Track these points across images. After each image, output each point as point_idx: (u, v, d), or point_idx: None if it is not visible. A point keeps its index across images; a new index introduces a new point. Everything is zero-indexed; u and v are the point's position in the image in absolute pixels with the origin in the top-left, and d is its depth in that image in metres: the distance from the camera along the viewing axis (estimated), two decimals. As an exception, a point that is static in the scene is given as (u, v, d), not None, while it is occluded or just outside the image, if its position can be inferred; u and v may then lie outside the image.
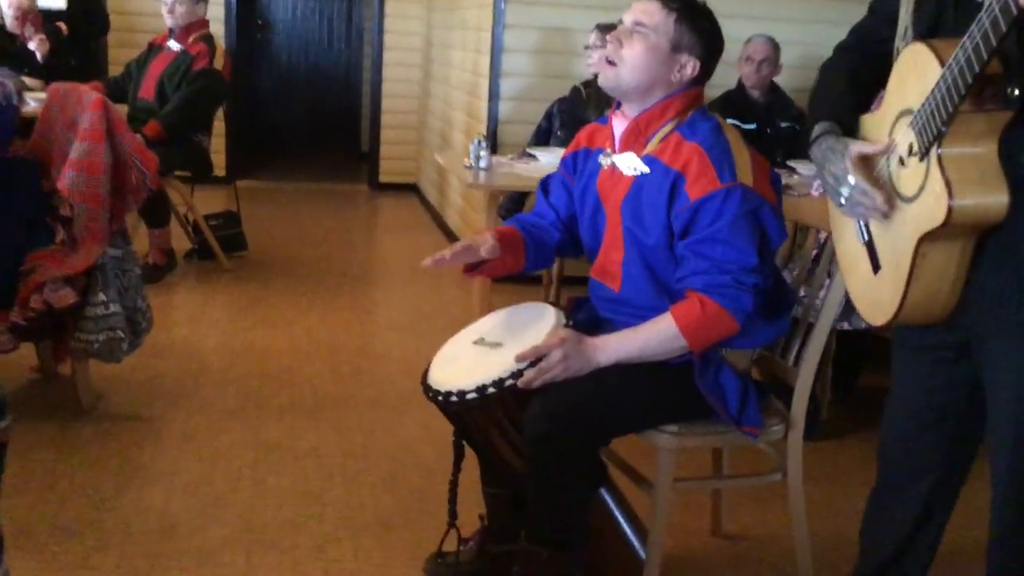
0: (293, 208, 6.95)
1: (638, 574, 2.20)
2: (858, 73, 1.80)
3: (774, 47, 4.44)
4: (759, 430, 2.11)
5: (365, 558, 2.46)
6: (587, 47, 4.37)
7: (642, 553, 2.23)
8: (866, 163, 1.67)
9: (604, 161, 2.16)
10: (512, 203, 4.42)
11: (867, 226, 1.74)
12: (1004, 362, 1.63)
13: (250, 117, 8.62)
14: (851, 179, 1.65)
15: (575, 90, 4.43)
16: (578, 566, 2.10)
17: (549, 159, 4.03)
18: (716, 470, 2.47)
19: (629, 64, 2.05)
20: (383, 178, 7.84)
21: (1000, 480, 1.70)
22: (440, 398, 2.07)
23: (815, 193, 3.28)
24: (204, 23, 5.06)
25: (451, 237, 6.08)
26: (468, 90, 5.68)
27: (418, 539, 2.53)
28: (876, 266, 1.72)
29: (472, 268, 2.20)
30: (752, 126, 4.44)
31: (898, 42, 1.69)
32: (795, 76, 4.94)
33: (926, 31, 1.62)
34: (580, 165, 2.25)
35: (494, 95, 4.98)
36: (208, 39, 4.97)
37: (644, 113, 2.08)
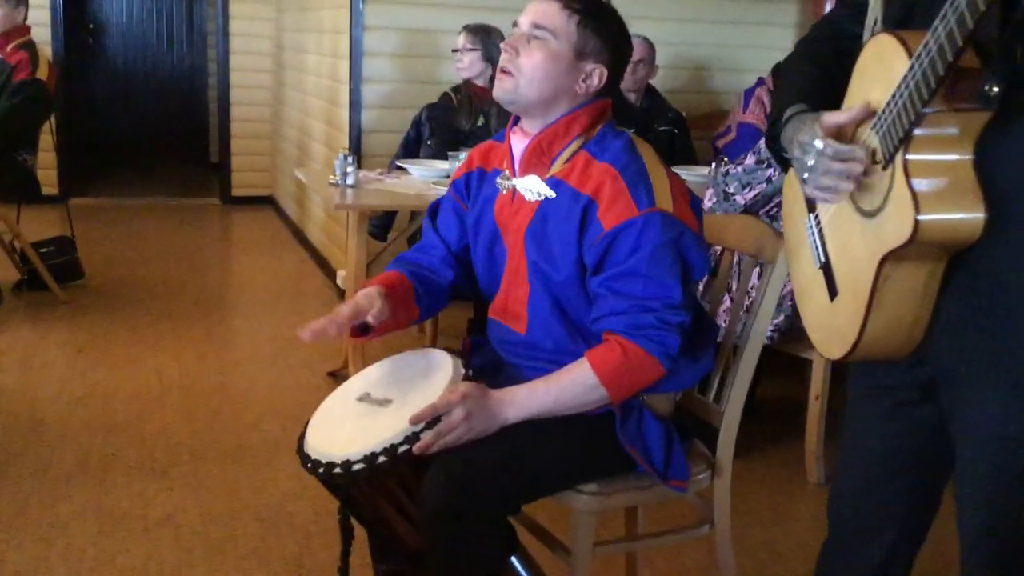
0: (136, 227, 6.40)
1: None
2: (826, 66, 1.58)
3: (650, 47, 4.25)
4: (687, 483, 1.87)
5: (236, 654, 2.10)
6: (455, 50, 4.08)
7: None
8: (839, 136, 1.43)
9: (502, 184, 1.88)
10: (382, 220, 4.10)
11: (823, 245, 1.52)
12: (977, 405, 1.42)
13: (84, 129, 7.97)
14: (818, 143, 1.39)
15: (445, 96, 4.14)
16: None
17: (422, 172, 3.72)
18: (630, 524, 2.22)
19: (528, 74, 1.77)
20: (236, 191, 7.34)
21: (970, 537, 1.49)
22: (321, 470, 1.74)
23: (708, 203, 3.09)
24: (25, 29, 4.53)
25: (314, 254, 5.69)
26: (327, 97, 5.30)
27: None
28: (833, 291, 1.50)
29: (360, 331, 1.89)
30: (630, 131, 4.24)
31: (867, 37, 1.48)
32: (669, 77, 4.80)
33: (897, 24, 1.41)
34: (474, 189, 1.96)
35: (356, 103, 4.63)
36: (30, 46, 4.45)
37: (547, 130, 1.81)
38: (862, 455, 1.65)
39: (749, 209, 3.04)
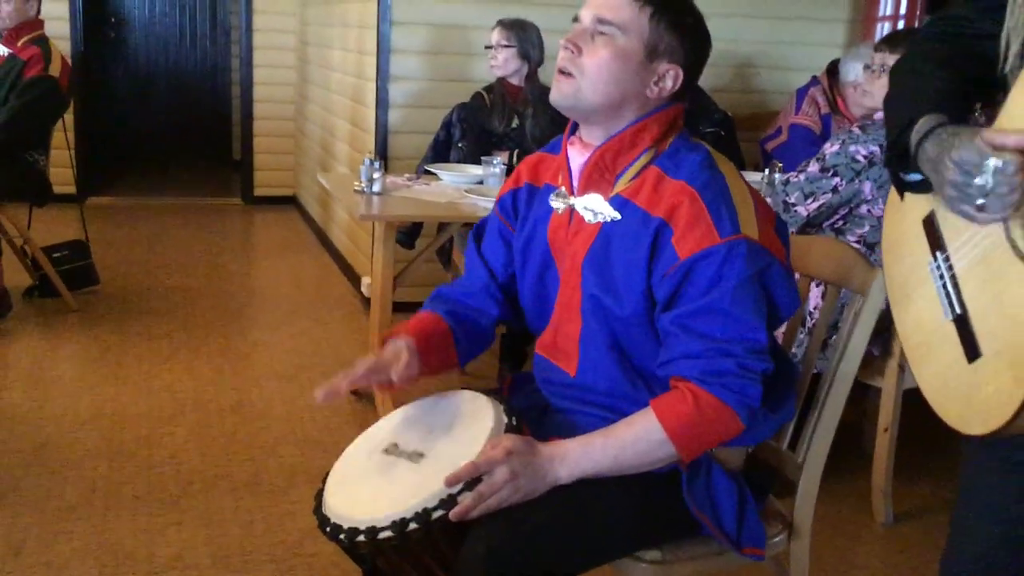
0: (155, 228, 6.19)
1: None
2: (958, 69, 1.31)
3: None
4: (763, 551, 1.62)
5: None
6: (488, 47, 3.83)
7: None
8: None
9: (557, 204, 1.63)
10: (410, 227, 3.85)
11: (959, 294, 1.26)
12: None
13: (104, 126, 7.79)
14: (992, 161, 1.13)
15: (477, 96, 3.89)
16: None
17: (453, 178, 3.48)
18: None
19: (592, 76, 1.52)
20: (258, 191, 7.13)
21: None
22: (342, 536, 1.49)
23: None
24: (37, 23, 4.32)
25: (338, 259, 5.46)
26: (352, 95, 5.06)
27: None
28: (973, 352, 1.24)
29: (387, 383, 1.65)
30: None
31: (1008, 41, 1.21)
32: (712, 75, 4.53)
33: None
34: (522, 208, 1.71)
35: (382, 102, 4.39)
36: (42, 42, 4.23)
37: (611, 140, 1.55)
38: (978, 539, 1.38)
39: (812, 221, 2.77)
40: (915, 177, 1.31)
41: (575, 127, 1.62)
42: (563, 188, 1.62)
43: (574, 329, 1.62)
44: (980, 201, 1.15)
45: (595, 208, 1.56)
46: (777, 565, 1.78)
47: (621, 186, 1.55)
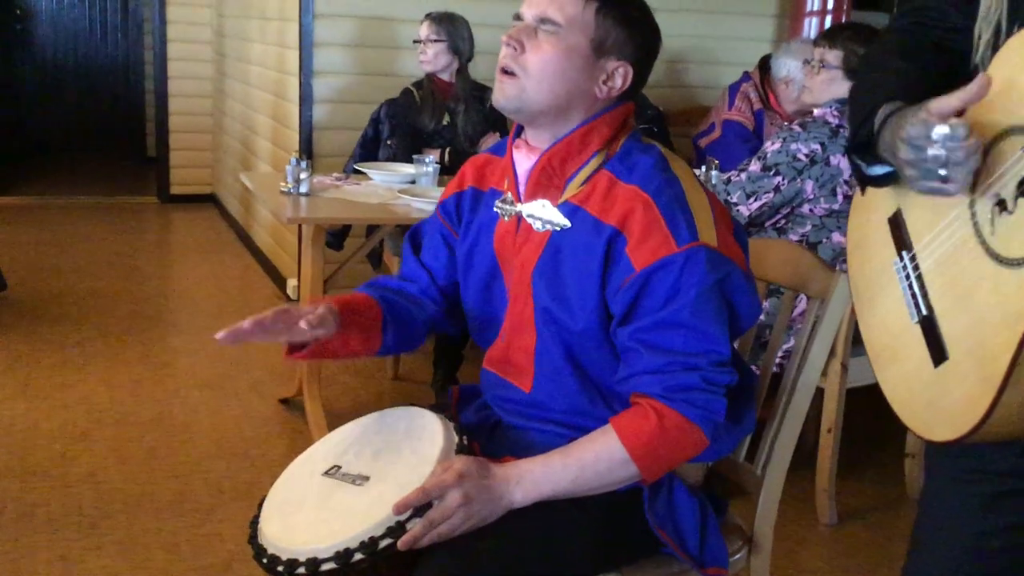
0: (66, 230, 5.91)
1: None
2: (924, 62, 1.25)
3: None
4: (726, 570, 1.55)
5: None
6: (417, 41, 3.71)
7: None
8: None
9: (504, 210, 1.53)
10: (338, 228, 3.72)
11: (924, 295, 1.20)
12: None
13: (9, 122, 7.42)
14: (938, 130, 1.07)
15: (406, 92, 3.76)
16: None
17: (384, 178, 3.35)
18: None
19: (536, 75, 1.43)
20: (175, 189, 6.87)
21: None
22: (281, 569, 1.38)
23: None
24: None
25: (261, 259, 5.27)
26: (274, 91, 4.89)
27: None
28: (939, 355, 1.18)
29: (297, 347, 1.52)
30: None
31: (980, 31, 1.16)
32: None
33: None
34: (466, 213, 1.61)
35: (306, 97, 4.24)
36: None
37: (559, 144, 1.46)
38: (943, 553, 1.32)
39: (753, 221, 2.73)
40: (878, 170, 1.25)
41: (520, 129, 1.52)
42: (509, 194, 1.53)
43: (528, 343, 1.52)
44: (942, 172, 1.09)
45: (543, 216, 1.47)
46: (736, 580, 1.72)
47: (571, 192, 1.47)
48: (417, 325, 1.65)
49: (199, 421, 3.23)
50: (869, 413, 3.20)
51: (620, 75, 1.47)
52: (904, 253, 1.25)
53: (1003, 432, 1.13)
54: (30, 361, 3.67)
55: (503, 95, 1.45)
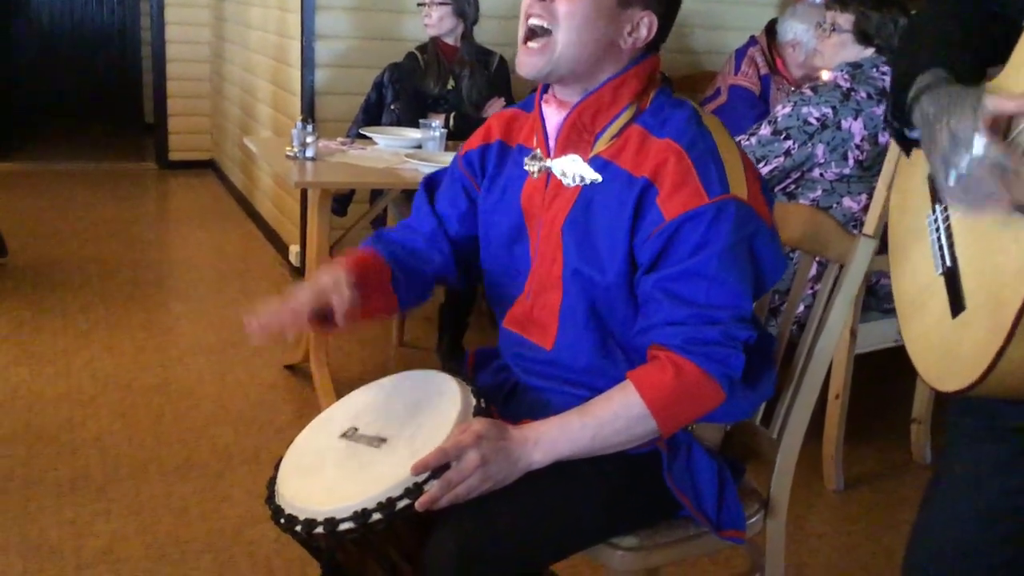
0: (65, 196, 5.87)
1: None
2: (969, 29, 1.23)
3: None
4: (743, 532, 1.55)
5: None
6: (421, 4, 3.67)
7: None
8: (998, 128, 1.09)
9: (532, 167, 1.51)
10: (341, 194, 3.69)
11: (951, 246, 1.19)
12: None
13: (6, 88, 7.35)
14: (980, 142, 1.05)
15: (410, 56, 3.72)
16: None
17: (389, 142, 3.32)
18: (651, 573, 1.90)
19: (567, 24, 1.40)
20: (173, 155, 6.83)
21: None
22: (299, 528, 1.37)
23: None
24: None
25: (262, 226, 5.24)
26: (274, 55, 4.84)
27: None
28: (958, 306, 1.18)
29: (323, 319, 1.50)
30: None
31: None
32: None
33: None
34: (491, 167, 1.59)
35: (308, 61, 4.19)
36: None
37: (589, 97, 1.44)
38: (959, 513, 1.31)
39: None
40: (918, 134, 1.24)
41: (547, 85, 1.50)
42: (538, 150, 1.51)
43: (554, 301, 1.51)
44: (960, 172, 1.08)
45: (574, 171, 1.46)
46: (751, 545, 1.72)
47: (601, 146, 1.45)
48: (424, 279, 1.62)
49: (204, 387, 3.22)
50: (876, 379, 3.22)
51: (645, 25, 1.44)
52: (937, 206, 1.25)
53: (1013, 384, 1.13)
54: (33, 327, 3.65)
55: (531, 66, 1.42)
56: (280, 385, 3.26)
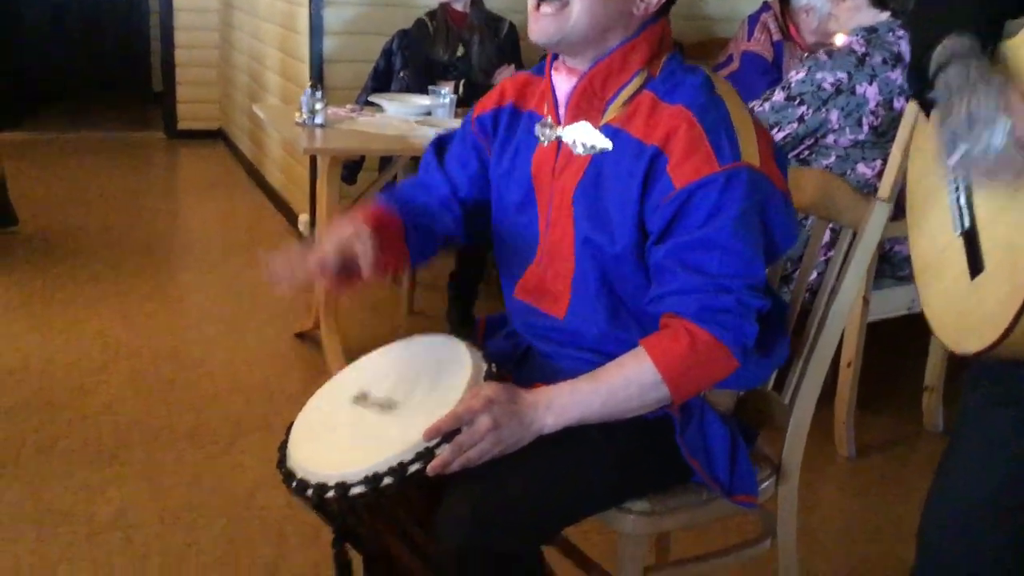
0: (73, 165, 5.87)
1: None
2: None
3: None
4: (755, 497, 1.54)
5: None
6: (430, -31, 3.64)
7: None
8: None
9: (543, 134, 1.49)
10: (351, 161, 3.68)
11: (970, 207, 1.18)
12: None
13: (12, 56, 7.32)
14: (1003, 123, 1.05)
15: (420, 23, 3.69)
16: None
17: (399, 109, 3.30)
18: (660, 541, 1.90)
19: None
20: (182, 124, 6.81)
21: None
22: (310, 493, 1.37)
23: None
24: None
25: (271, 195, 5.23)
26: (282, 22, 4.80)
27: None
28: (976, 267, 1.17)
29: (345, 273, 1.47)
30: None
31: None
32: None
33: None
34: (503, 131, 1.57)
35: (316, 28, 4.16)
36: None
37: (600, 64, 1.42)
38: (974, 478, 1.30)
39: (776, 152, 2.68)
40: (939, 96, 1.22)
41: (556, 54, 1.48)
42: (549, 118, 1.49)
43: (565, 270, 1.50)
44: (981, 150, 1.07)
45: (584, 139, 1.44)
46: (762, 511, 1.71)
47: (612, 113, 1.43)
48: (434, 237, 1.61)
49: (214, 355, 3.22)
50: (889, 347, 3.20)
51: None
52: None
53: None
54: (43, 296, 3.66)
55: (543, 32, 1.40)
56: (290, 353, 3.26)
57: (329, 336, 3.08)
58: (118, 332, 3.37)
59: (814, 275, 2.48)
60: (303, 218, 4.46)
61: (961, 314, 1.21)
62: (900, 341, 3.17)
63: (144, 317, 3.52)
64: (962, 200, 1.20)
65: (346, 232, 1.40)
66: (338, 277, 1.43)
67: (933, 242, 1.28)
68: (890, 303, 2.77)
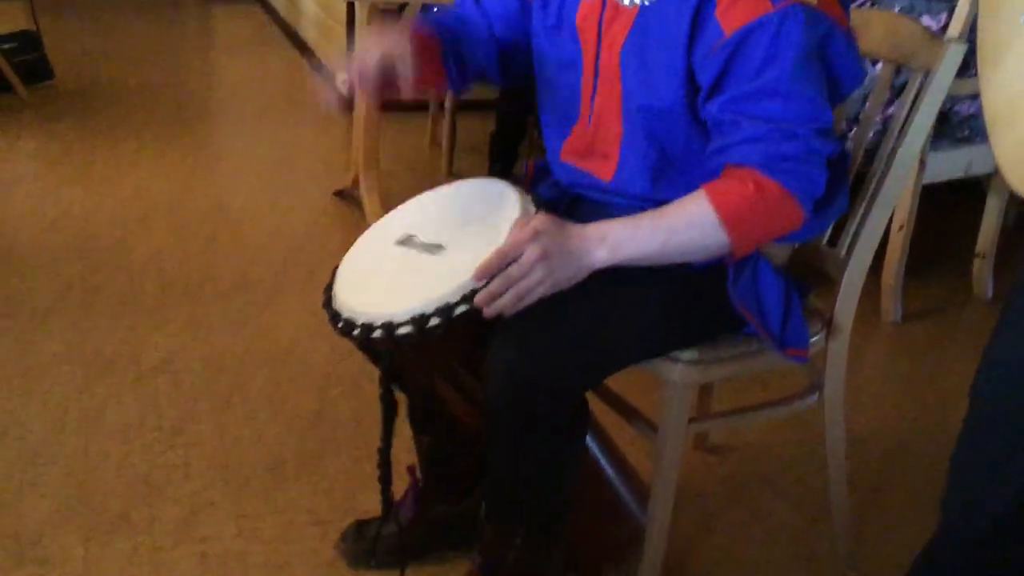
0: (108, 21, 5.77)
1: (635, 542, 1.63)
2: None
3: None
4: (806, 351, 1.51)
5: (252, 533, 1.79)
6: None
7: (640, 515, 1.66)
8: None
9: None
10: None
11: None
12: None
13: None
14: None
15: None
16: (559, 548, 1.51)
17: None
18: (703, 394, 1.89)
19: None
20: (216, -19, 6.65)
21: None
22: (356, 332, 1.34)
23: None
24: None
25: (308, 55, 5.13)
26: None
27: (322, 492, 1.88)
28: None
29: (385, 84, 1.38)
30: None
31: None
32: None
33: None
34: None
35: None
36: None
37: None
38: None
39: None
40: None
41: None
42: None
43: (614, 132, 1.43)
44: None
45: None
46: (810, 366, 1.69)
47: None
48: (471, 67, 1.53)
49: (254, 212, 3.21)
50: (941, 212, 3.12)
51: None
52: None
53: None
54: (82, 150, 3.65)
55: None
56: (330, 210, 3.24)
57: (368, 194, 3.05)
58: (159, 186, 3.35)
59: (871, 135, 2.39)
60: (340, 77, 4.37)
61: None
62: (952, 205, 3.09)
63: (184, 172, 3.50)
64: None
65: (389, 43, 1.34)
66: (376, 88, 1.37)
67: (1007, 88, 1.20)
68: (947, 166, 2.68)
